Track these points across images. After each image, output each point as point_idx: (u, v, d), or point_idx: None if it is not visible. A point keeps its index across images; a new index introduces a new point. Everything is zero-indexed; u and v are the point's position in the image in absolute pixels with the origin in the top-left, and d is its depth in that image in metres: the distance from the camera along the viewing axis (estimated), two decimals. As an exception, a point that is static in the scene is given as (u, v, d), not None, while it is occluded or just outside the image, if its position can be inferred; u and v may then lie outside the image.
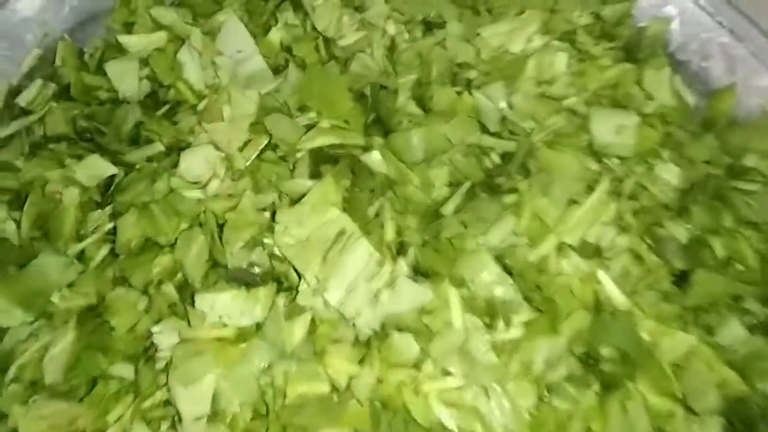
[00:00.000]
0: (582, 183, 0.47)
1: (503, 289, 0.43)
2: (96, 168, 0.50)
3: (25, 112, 0.55)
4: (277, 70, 0.56)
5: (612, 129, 0.48)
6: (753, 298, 0.47)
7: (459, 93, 0.53)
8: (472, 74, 0.53)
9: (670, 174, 0.50)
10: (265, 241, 0.45)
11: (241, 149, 0.50)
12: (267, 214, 0.46)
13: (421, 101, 0.54)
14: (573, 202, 0.46)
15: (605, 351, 0.43)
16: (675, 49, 0.62)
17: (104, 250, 0.48)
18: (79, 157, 0.50)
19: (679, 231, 0.48)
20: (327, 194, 0.43)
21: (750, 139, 0.56)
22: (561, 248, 0.45)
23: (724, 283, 0.47)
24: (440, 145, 0.50)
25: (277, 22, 0.58)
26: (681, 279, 0.47)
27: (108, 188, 0.51)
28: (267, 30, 0.57)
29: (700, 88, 0.60)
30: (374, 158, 0.49)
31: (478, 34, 0.54)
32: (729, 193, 0.51)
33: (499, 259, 0.44)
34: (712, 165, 0.53)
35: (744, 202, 0.51)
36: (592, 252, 0.45)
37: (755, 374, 0.43)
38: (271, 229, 0.44)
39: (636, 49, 0.58)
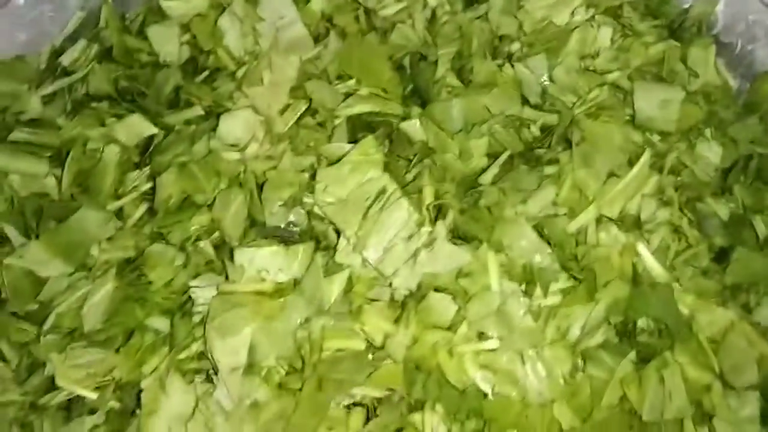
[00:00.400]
0: (624, 155, 0.46)
1: (541, 257, 0.42)
2: (136, 127, 0.50)
3: (68, 72, 0.56)
4: (317, 39, 0.56)
5: (656, 103, 0.48)
6: (794, 281, 0.47)
7: (500, 66, 0.53)
8: (514, 47, 0.53)
9: (712, 153, 0.49)
10: (305, 200, 0.45)
11: (280, 113, 0.50)
12: (306, 175, 0.46)
13: (461, 73, 0.54)
14: (614, 174, 0.46)
15: (642, 322, 0.42)
16: (719, 31, 0.61)
17: (142, 209, 0.48)
18: (120, 117, 0.51)
19: (721, 208, 0.47)
20: (368, 154, 0.43)
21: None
22: (600, 220, 0.45)
23: (764, 262, 0.46)
24: (480, 115, 0.50)
25: (318, -9, 0.58)
26: (721, 256, 0.46)
27: (147, 149, 0.52)
28: (308, -1, 0.57)
29: (743, 71, 0.59)
30: (413, 126, 0.49)
31: (521, 6, 0.53)
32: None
33: (538, 228, 0.44)
34: (755, 145, 0.52)
35: (787, 184, 0.50)
36: (632, 224, 0.45)
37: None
38: (310, 188, 0.44)
39: (680, 28, 0.58)
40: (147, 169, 0.50)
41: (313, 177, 0.45)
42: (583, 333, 0.41)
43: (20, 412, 0.43)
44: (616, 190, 0.45)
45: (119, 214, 0.49)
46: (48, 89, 0.54)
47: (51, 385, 0.43)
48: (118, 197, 0.49)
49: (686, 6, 0.60)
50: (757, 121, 0.54)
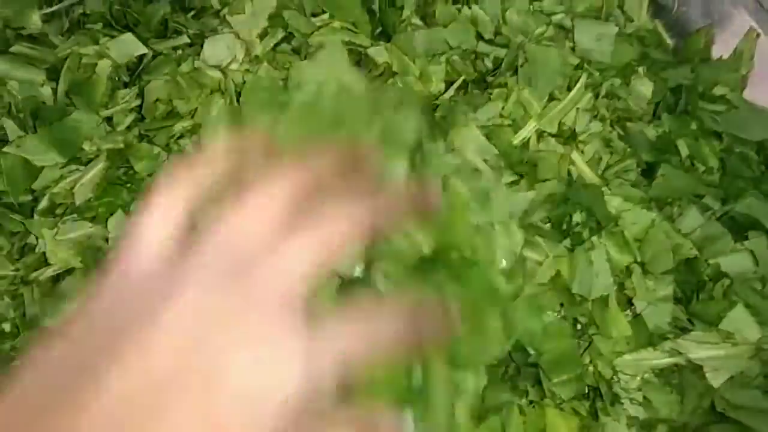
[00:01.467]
0: (563, 79, 0.53)
1: (488, 157, 0.48)
2: (128, 46, 0.55)
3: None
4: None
5: (593, 36, 0.54)
6: (712, 196, 0.53)
7: (458, 9, 0.58)
8: (472, -10, 0.59)
9: (644, 87, 0.56)
10: (280, 100, 0.50)
11: (259, 38, 0.56)
12: (282, 82, 0.51)
13: (424, 17, 0.60)
14: (554, 97, 0.52)
15: (577, 217, 0.48)
16: (657, -5, 0.67)
17: (131, 117, 0.53)
18: (113, 37, 0.56)
19: (649, 130, 0.53)
20: (339, 52, 0.48)
21: (720, 73, 0.62)
22: (541, 134, 0.51)
23: (686, 179, 0.52)
24: (439, 47, 0.56)
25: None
26: (647, 171, 0.53)
27: (136, 70, 0.57)
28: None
29: (679, 30, 0.66)
30: (379, 51, 0.54)
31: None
32: (697, 109, 0.57)
33: (486, 138, 0.50)
34: (685, 87, 0.59)
35: (710, 117, 0.57)
36: (568, 137, 0.51)
37: (707, 252, 0.49)
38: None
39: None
40: (136, 88, 0.55)
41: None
42: (524, 214, 0.46)
43: (11, 286, 0.47)
44: (555, 110, 0.51)
45: (109, 122, 0.53)
46: (47, 10, 0.58)
47: (42, 262, 0.47)
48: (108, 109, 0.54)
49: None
50: (689, 70, 0.61)
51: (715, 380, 0.43)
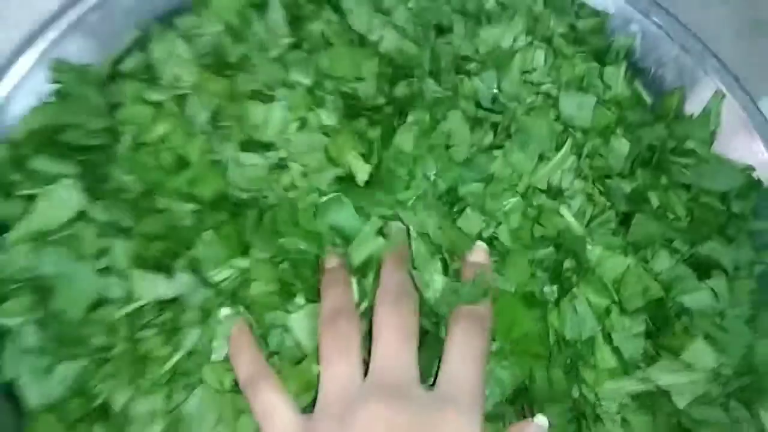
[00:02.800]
0: (551, 143, 0.62)
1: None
2: None
3: None
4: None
5: (575, 105, 0.63)
6: (680, 240, 0.62)
7: (461, 79, 0.68)
8: (472, 65, 0.68)
9: (621, 146, 0.64)
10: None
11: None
12: None
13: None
14: (544, 157, 0.61)
15: (566, 263, 0.57)
16: (637, 59, 0.77)
17: None
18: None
19: (625, 184, 0.62)
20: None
21: (691, 129, 0.71)
22: (533, 191, 0.60)
23: (658, 226, 0.61)
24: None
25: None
26: (624, 221, 0.61)
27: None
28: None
29: (656, 89, 0.75)
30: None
31: (477, 35, 0.69)
32: (668, 164, 0.66)
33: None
34: (658, 145, 0.68)
35: (679, 171, 0.66)
36: (556, 192, 0.60)
37: (674, 290, 0.57)
38: None
39: (604, 55, 0.73)
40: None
41: None
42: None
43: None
44: (545, 169, 0.60)
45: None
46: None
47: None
48: None
49: (611, 40, 0.76)
50: (663, 127, 0.70)
51: (680, 402, 0.51)
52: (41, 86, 0.67)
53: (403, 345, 0.47)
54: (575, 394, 0.53)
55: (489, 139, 0.63)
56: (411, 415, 0.43)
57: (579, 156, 0.62)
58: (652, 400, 0.53)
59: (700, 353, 0.52)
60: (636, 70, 0.76)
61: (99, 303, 0.57)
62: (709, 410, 0.53)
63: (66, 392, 0.55)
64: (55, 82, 0.67)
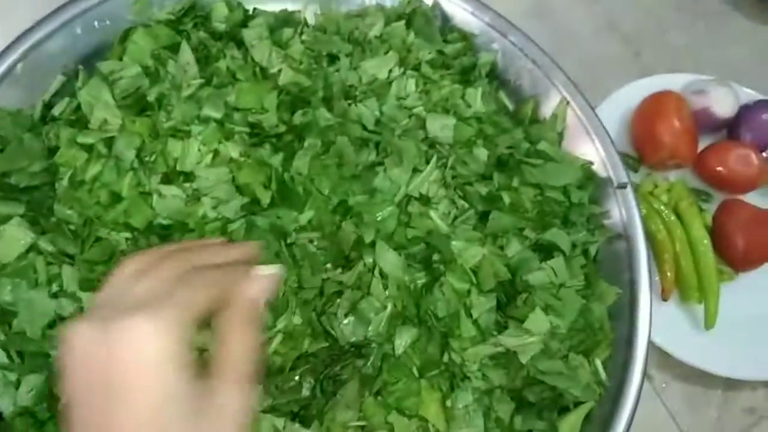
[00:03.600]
0: (421, 158, 0.76)
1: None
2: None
3: None
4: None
5: (439, 126, 0.78)
6: (530, 229, 0.77)
7: (349, 104, 0.81)
8: (357, 92, 0.81)
9: (481, 155, 0.79)
10: None
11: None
12: None
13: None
14: (416, 171, 0.76)
15: (435, 256, 0.71)
16: (500, 72, 0.91)
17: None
18: None
19: (482, 187, 0.77)
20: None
21: (543, 131, 0.86)
22: (408, 200, 0.74)
23: (510, 219, 0.76)
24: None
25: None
26: (484, 216, 0.76)
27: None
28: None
29: (516, 98, 0.90)
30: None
31: (359, 66, 0.82)
32: (521, 166, 0.81)
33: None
34: (514, 149, 0.83)
35: (529, 171, 0.81)
36: (426, 199, 0.74)
37: (521, 270, 0.73)
38: None
39: (470, 71, 0.87)
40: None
41: None
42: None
43: None
44: (417, 181, 0.75)
45: None
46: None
47: None
48: None
49: (476, 57, 0.90)
50: (521, 131, 0.85)
51: (524, 358, 0.67)
52: (-20, 132, 0.77)
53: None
54: (446, 359, 0.68)
55: (372, 157, 0.76)
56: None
57: (444, 167, 0.76)
58: (505, 359, 0.68)
59: (537, 321, 0.68)
60: (500, 82, 0.90)
61: (54, 322, 0.68)
62: (550, 363, 0.69)
63: (34, 399, 0.66)
64: (-6, 128, 0.77)
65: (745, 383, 0.90)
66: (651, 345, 0.76)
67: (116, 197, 0.72)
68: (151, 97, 0.79)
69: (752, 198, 0.98)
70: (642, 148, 0.98)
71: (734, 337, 0.89)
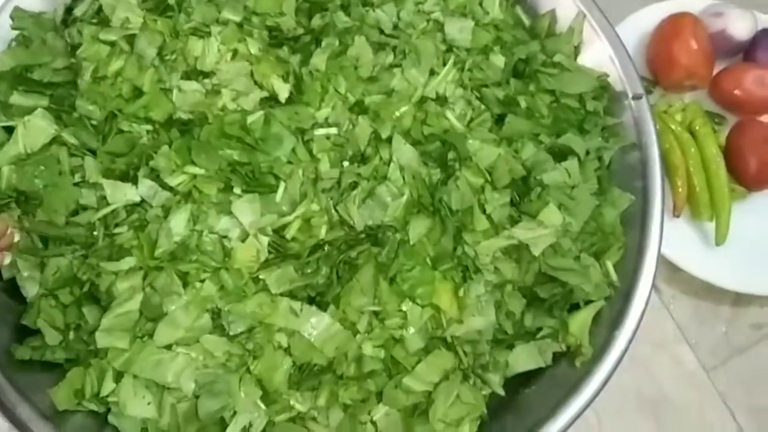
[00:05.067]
0: (438, 60, 0.76)
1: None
2: None
3: None
4: None
5: (457, 29, 0.78)
6: (545, 134, 0.78)
7: (366, 11, 0.81)
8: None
9: (498, 61, 0.80)
10: None
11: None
12: None
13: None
14: (434, 72, 0.76)
15: (450, 154, 0.72)
16: (517, -13, 0.91)
17: None
18: None
19: (498, 91, 0.77)
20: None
21: (559, 44, 0.86)
22: (424, 100, 0.75)
23: (526, 124, 0.77)
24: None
25: None
26: (500, 120, 0.77)
27: None
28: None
29: (533, 13, 0.90)
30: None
31: (376, -24, 0.82)
32: (537, 75, 0.82)
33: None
34: (531, 60, 0.83)
35: (546, 79, 0.81)
36: (443, 100, 0.75)
37: (536, 170, 0.73)
38: None
39: (487, -15, 0.87)
40: None
41: None
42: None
43: None
44: (434, 82, 0.75)
45: None
46: None
47: None
48: None
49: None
50: (537, 44, 0.86)
51: (535, 250, 0.69)
52: (5, 33, 0.78)
53: None
54: (459, 252, 0.69)
55: (390, 59, 0.77)
56: None
57: (462, 70, 0.77)
58: (518, 252, 0.70)
59: (550, 214, 0.69)
60: (517, -1, 0.90)
61: (77, 210, 0.69)
62: (562, 259, 0.71)
63: (58, 283, 0.68)
64: (16, 29, 0.78)
65: (754, 300, 0.91)
66: (661, 259, 0.77)
67: (138, 92, 0.74)
68: (171, 0, 0.79)
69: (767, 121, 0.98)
70: (658, 69, 0.98)
71: (744, 254, 0.90)
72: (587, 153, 0.78)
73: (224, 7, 0.79)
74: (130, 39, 0.76)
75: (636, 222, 0.78)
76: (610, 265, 0.75)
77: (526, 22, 0.90)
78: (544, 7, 0.90)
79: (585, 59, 0.87)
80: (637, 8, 1.01)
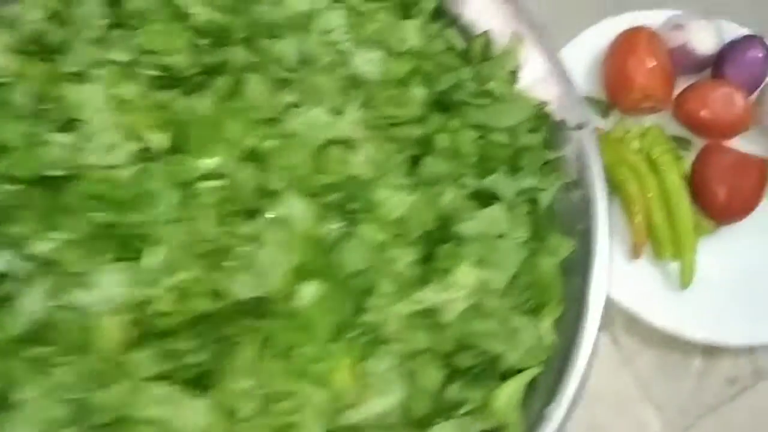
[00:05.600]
0: (344, 97, 0.68)
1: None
2: None
3: None
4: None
5: (366, 61, 0.69)
6: (470, 176, 0.68)
7: (268, 44, 0.72)
8: (278, 30, 0.73)
9: (417, 95, 0.71)
10: None
11: None
12: None
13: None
14: (339, 111, 0.67)
15: (353, 204, 0.63)
16: (449, 6, 0.82)
17: None
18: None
19: (414, 129, 0.68)
20: None
21: (494, 69, 0.77)
22: (327, 143, 0.66)
23: (447, 165, 0.68)
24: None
25: None
26: (418, 161, 0.68)
27: None
28: None
29: (466, 36, 0.81)
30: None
31: (282, 2, 0.74)
32: (464, 107, 0.72)
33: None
34: (458, 89, 0.74)
35: (473, 112, 0.72)
36: (348, 142, 0.66)
37: (454, 220, 0.64)
38: None
39: (411, 7, 0.79)
40: None
41: None
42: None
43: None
44: (340, 121, 0.66)
45: None
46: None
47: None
48: None
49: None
50: (469, 72, 0.76)
51: (446, 317, 0.59)
52: None
53: None
54: (361, 319, 0.60)
55: (292, 98, 0.68)
56: None
57: (371, 107, 0.68)
58: (429, 318, 0.60)
59: (464, 274, 0.60)
60: (450, 19, 0.81)
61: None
62: (483, 324, 0.61)
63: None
64: None
65: (727, 350, 0.80)
66: (619, 308, 0.67)
67: (2, 148, 0.65)
68: (54, 42, 0.72)
69: (736, 144, 0.88)
70: (613, 90, 0.88)
71: (713, 298, 0.80)
72: (519, 194, 0.69)
73: (112, 47, 0.71)
74: (3, 88, 0.68)
75: (578, 271, 0.68)
76: (547, 323, 0.65)
77: (461, 45, 0.81)
78: (480, 27, 0.81)
79: (523, 85, 0.78)
80: (589, 24, 0.92)
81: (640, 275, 0.80)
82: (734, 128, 0.87)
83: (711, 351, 0.80)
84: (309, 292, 0.59)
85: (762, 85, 0.90)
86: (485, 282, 0.61)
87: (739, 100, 0.86)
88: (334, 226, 0.62)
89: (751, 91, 0.90)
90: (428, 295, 0.60)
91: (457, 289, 0.60)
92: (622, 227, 0.80)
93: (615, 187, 0.82)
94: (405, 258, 0.61)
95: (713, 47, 0.89)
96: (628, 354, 0.80)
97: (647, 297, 0.78)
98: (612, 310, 0.78)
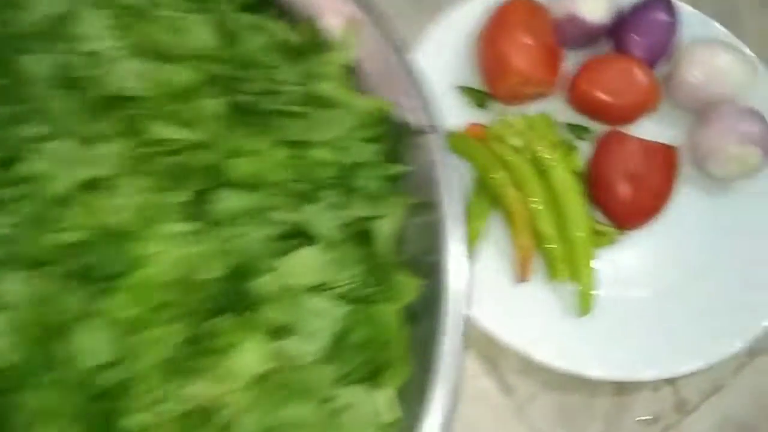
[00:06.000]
0: (99, 124, 0.51)
1: None
2: None
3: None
4: None
5: (128, 75, 0.53)
6: (283, 209, 0.53)
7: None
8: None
9: (207, 107, 0.55)
10: None
11: None
12: None
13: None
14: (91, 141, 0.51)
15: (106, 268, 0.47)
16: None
17: None
18: None
19: (201, 156, 0.52)
20: None
21: (324, 66, 0.61)
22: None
23: (246, 198, 0.52)
24: None
25: None
26: (207, 196, 0.52)
27: None
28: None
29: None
30: None
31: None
32: (275, 119, 0.56)
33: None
34: (270, 96, 0.58)
35: (285, 125, 0.56)
36: (104, 185, 0.50)
37: (248, 273, 0.49)
38: None
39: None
40: None
41: None
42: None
43: None
44: (91, 157, 0.50)
45: None
46: None
47: None
48: None
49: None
50: (293, 71, 0.60)
51: (226, 415, 0.44)
52: None
53: None
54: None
55: (31, 131, 0.52)
56: None
57: (136, 133, 0.52)
58: (204, 417, 0.44)
59: (248, 352, 0.44)
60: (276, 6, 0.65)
61: None
62: (292, 408, 0.46)
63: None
64: None
65: (643, 385, 0.65)
66: (506, 346, 0.52)
67: None
68: None
69: (644, 129, 0.73)
70: (488, 76, 0.73)
71: (621, 325, 0.64)
72: (348, 226, 0.53)
73: None
74: None
75: (429, 314, 0.53)
76: (388, 393, 0.50)
77: (294, 39, 0.64)
78: (310, 14, 0.65)
79: (364, 83, 0.62)
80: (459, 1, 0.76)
81: (530, 303, 0.65)
82: (638, 109, 0.71)
83: (622, 388, 0.65)
84: (34, 399, 0.43)
85: (669, 55, 0.75)
86: (289, 356, 0.45)
87: (641, 75, 0.71)
88: (66, 303, 0.45)
89: (656, 64, 0.74)
90: (200, 390, 0.44)
91: (235, 377, 0.44)
92: (505, 245, 0.65)
93: (494, 197, 0.67)
94: (171, 338, 0.45)
95: (606, 15, 0.73)
96: (521, 401, 0.64)
97: (539, 330, 0.63)
98: (495, 351, 0.63)
